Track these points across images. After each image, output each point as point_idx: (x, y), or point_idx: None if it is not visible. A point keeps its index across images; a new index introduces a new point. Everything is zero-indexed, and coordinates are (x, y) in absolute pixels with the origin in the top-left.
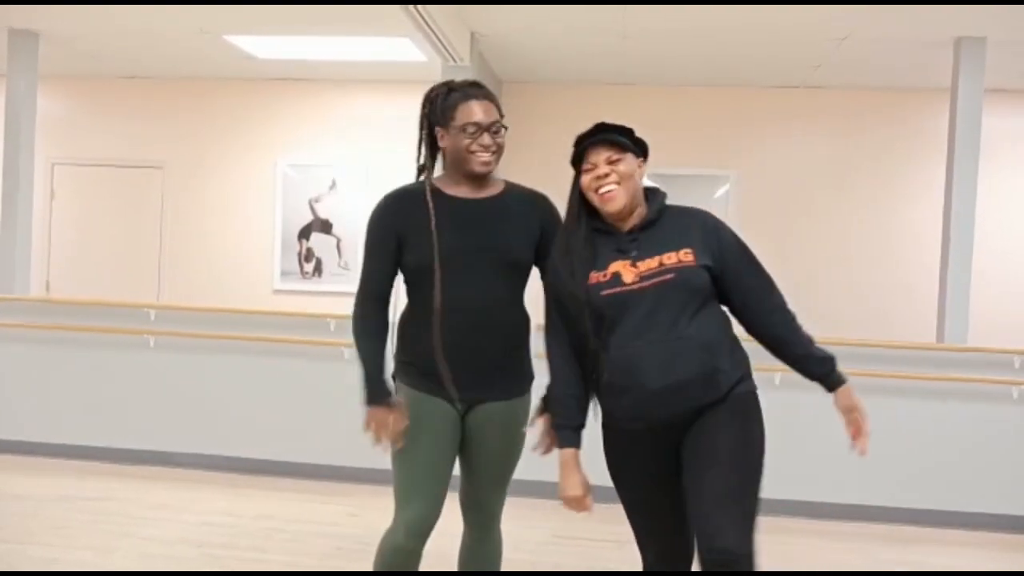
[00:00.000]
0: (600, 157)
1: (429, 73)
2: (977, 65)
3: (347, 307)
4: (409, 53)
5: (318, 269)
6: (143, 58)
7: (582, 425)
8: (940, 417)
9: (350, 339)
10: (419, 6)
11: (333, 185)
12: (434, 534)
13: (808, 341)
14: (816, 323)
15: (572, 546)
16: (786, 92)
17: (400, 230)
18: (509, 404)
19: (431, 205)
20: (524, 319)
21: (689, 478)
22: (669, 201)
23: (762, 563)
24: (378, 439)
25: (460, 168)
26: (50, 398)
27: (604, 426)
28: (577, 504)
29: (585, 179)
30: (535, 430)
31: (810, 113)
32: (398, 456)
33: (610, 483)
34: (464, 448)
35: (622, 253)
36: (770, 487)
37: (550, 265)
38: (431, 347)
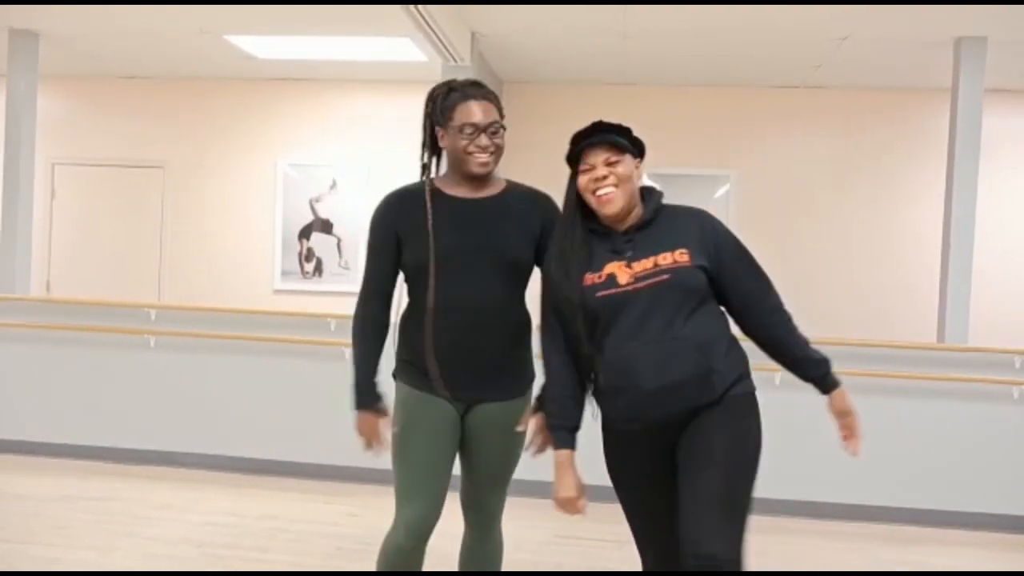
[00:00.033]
0: (598, 158)
1: (430, 73)
2: (977, 65)
3: (348, 307)
4: (409, 53)
5: (319, 269)
6: (143, 58)
7: (578, 426)
8: (941, 417)
9: (350, 339)
10: (419, 6)
11: (333, 185)
12: (435, 534)
13: (804, 343)
14: (816, 323)
15: (573, 546)
16: (786, 92)
17: (400, 229)
18: (508, 404)
19: (429, 205)
20: (524, 319)
21: (682, 480)
22: (668, 201)
23: (763, 563)
24: (368, 445)
25: (459, 168)
26: (50, 398)
27: (603, 428)
28: (570, 506)
29: (582, 180)
30: (528, 429)
31: (810, 113)
32: (397, 456)
33: (610, 483)
34: (464, 448)
35: (617, 254)
36: (771, 487)
37: (545, 266)
38: (426, 347)
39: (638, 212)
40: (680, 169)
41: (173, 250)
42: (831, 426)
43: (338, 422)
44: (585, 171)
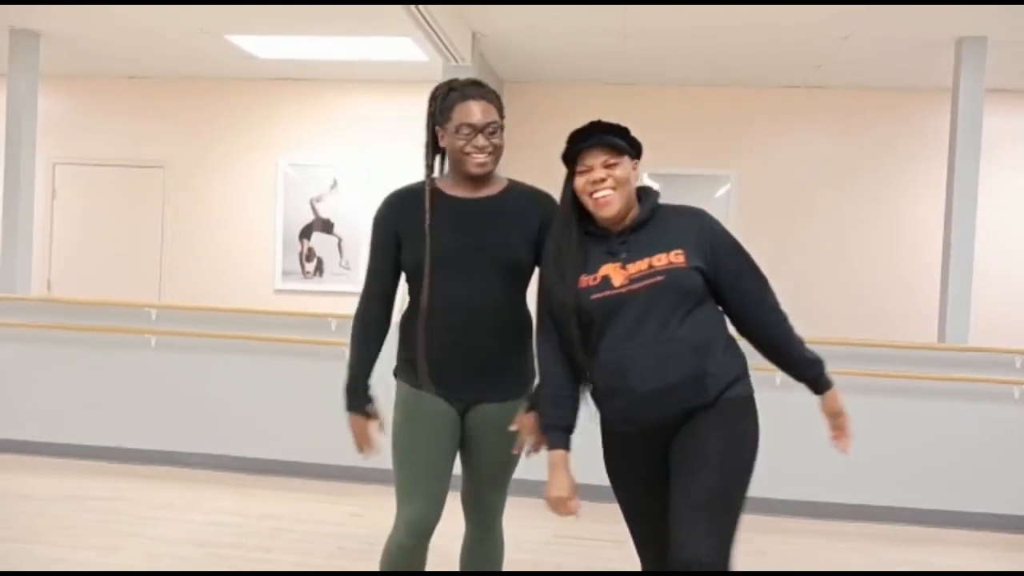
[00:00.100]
0: (597, 160)
1: (430, 73)
2: (978, 65)
3: (349, 307)
4: (410, 53)
5: (319, 269)
6: (144, 58)
7: (572, 426)
8: (941, 417)
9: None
10: (420, 6)
11: (334, 185)
12: (436, 534)
13: (800, 343)
14: (817, 323)
15: (574, 546)
16: (787, 92)
17: (400, 229)
18: (508, 405)
19: (428, 205)
20: (525, 320)
21: (673, 483)
22: (669, 201)
23: (764, 563)
24: (359, 448)
25: (458, 168)
26: (51, 398)
27: (601, 429)
28: (561, 506)
29: (579, 182)
30: (520, 428)
31: (811, 113)
32: (397, 455)
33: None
34: (464, 447)
35: (612, 256)
36: (773, 487)
37: (541, 268)
38: (417, 345)
39: (634, 213)
40: (680, 169)
41: (174, 250)
42: None
43: (340, 422)
44: (582, 172)
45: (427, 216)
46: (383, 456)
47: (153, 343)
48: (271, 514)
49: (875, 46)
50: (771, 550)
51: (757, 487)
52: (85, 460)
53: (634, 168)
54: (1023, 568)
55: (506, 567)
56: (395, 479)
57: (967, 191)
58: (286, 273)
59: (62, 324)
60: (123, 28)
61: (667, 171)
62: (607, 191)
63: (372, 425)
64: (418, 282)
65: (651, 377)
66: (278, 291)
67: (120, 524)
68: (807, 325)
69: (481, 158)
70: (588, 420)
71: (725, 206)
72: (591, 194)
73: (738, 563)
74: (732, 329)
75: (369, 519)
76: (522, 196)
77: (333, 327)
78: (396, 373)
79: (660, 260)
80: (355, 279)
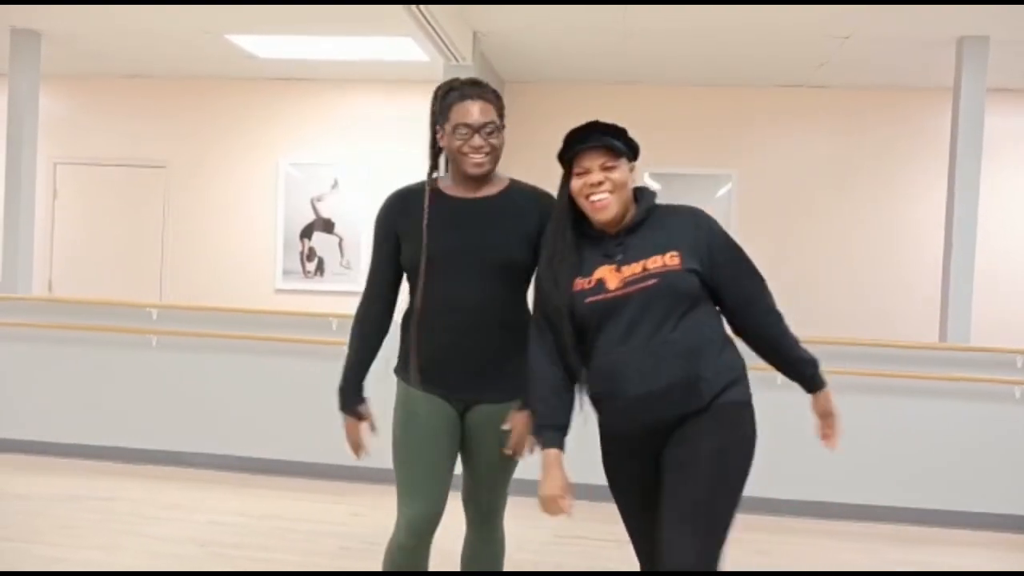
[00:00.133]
0: (594, 162)
1: (431, 73)
2: (980, 64)
3: (350, 306)
4: (411, 53)
5: (320, 268)
6: (145, 58)
7: (566, 425)
8: (943, 417)
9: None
10: (421, 6)
11: (335, 184)
12: (437, 533)
13: (796, 343)
14: (817, 323)
15: (574, 546)
16: (788, 91)
17: (399, 229)
18: (508, 406)
19: (427, 205)
20: (524, 320)
21: (664, 488)
22: (668, 201)
23: (767, 563)
24: (353, 449)
25: (456, 168)
26: (52, 397)
27: (599, 432)
28: (553, 504)
29: (576, 184)
30: (512, 427)
31: (812, 112)
32: (398, 455)
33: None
34: (464, 447)
35: (608, 258)
36: (775, 486)
37: (537, 270)
38: (411, 345)
39: (631, 214)
40: (681, 169)
41: (175, 249)
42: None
43: (340, 422)
44: (580, 174)
45: (425, 216)
46: (382, 456)
47: (154, 343)
48: (273, 514)
49: (876, 46)
50: (773, 550)
51: (759, 487)
52: (86, 460)
53: (631, 170)
54: None
55: (507, 567)
56: (396, 479)
57: (968, 191)
58: (287, 273)
59: (63, 324)
60: (124, 28)
61: (668, 171)
62: (604, 195)
63: (363, 426)
64: (415, 282)
65: (644, 381)
66: (279, 291)
67: (121, 524)
68: (807, 325)
69: (478, 158)
70: (587, 421)
71: (726, 206)
72: (588, 197)
73: (740, 562)
74: (729, 330)
75: (371, 519)
76: (522, 196)
77: (334, 327)
78: (397, 371)
79: (655, 262)
80: (356, 279)
